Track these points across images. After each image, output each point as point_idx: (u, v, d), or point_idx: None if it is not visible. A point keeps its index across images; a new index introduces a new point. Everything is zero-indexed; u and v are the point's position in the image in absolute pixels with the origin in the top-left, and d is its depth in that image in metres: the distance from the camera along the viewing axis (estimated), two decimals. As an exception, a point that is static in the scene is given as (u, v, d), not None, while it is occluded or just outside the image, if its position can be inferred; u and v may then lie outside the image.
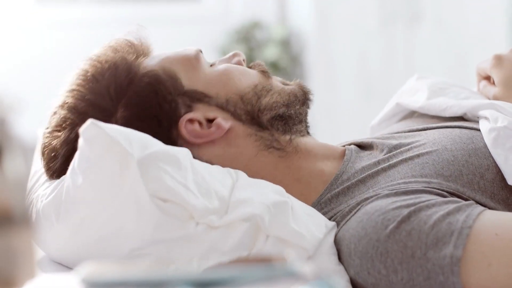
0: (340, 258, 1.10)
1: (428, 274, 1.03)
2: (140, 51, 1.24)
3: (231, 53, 1.29)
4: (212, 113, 1.20)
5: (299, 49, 4.09)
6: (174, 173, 1.07)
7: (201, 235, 1.06)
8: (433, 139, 1.20)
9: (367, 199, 1.12)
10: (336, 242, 1.11)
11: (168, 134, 1.18)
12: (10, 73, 4.09)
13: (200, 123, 1.19)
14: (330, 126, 3.83)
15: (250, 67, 1.27)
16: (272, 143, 1.21)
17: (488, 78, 1.33)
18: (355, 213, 1.11)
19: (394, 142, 1.23)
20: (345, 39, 3.84)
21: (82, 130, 1.08)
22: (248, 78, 1.24)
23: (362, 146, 1.27)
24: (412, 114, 1.40)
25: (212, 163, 1.18)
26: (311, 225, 1.11)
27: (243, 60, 1.28)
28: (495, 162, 1.16)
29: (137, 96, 1.18)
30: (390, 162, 1.18)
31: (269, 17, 4.25)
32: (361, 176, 1.17)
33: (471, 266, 1.02)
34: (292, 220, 1.09)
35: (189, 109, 1.19)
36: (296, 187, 1.21)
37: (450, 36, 3.86)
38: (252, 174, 1.19)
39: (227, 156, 1.20)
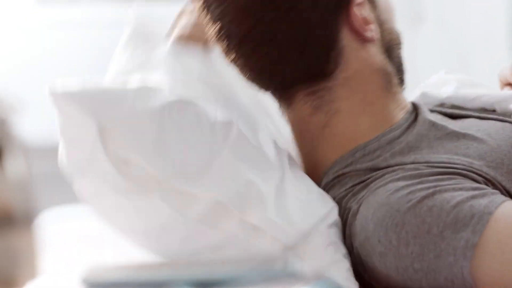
0: (354, 220, 1.10)
1: (439, 252, 1.03)
2: None
3: None
4: (370, 18, 1.20)
5: (300, 49, 4.09)
6: None
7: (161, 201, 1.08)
8: (476, 125, 1.20)
9: (403, 165, 1.12)
10: (362, 203, 1.10)
11: (336, 12, 1.16)
12: (10, 73, 4.09)
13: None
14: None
15: None
16: (390, 72, 1.21)
17: (510, 85, 1.34)
18: (385, 181, 1.10)
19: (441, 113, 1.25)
20: (346, 39, 3.84)
21: None
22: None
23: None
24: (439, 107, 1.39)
25: (342, 52, 1.17)
26: (297, 214, 1.10)
27: None
28: None
29: None
30: (436, 133, 1.18)
31: (270, 17, 4.24)
32: (409, 138, 1.17)
33: (484, 252, 1.02)
34: (273, 207, 1.08)
35: None
36: (372, 118, 1.19)
37: (452, 37, 3.86)
38: (355, 83, 1.18)
39: (356, 54, 1.18)
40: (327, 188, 1.17)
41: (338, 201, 1.14)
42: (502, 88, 1.36)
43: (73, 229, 1.84)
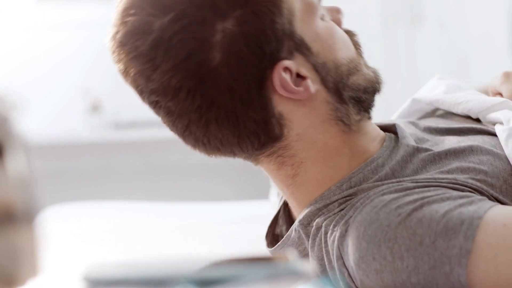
0: (342, 241, 1.09)
1: (434, 263, 1.03)
2: None
3: (334, 6, 1.24)
4: (305, 70, 1.14)
5: (301, 49, 4.09)
6: None
7: None
8: (457, 141, 1.21)
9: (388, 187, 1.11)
10: (350, 224, 1.09)
11: (261, 73, 1.12)
12: (11, 73, 4.10)
13: (291, 75, 1.14)
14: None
15: (346, 32, 1.23)
16: (343, 117, 1.17)
17: (500, 94, 1.35)
18: (370, 199, 1.10)
19: (420, 136, 1.23)
20: (347, 40, 3.84)
21: None
22: (348, 50, 1.20)
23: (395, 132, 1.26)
24: (432, 114, 1.40)
25: (282, 116, 1.14)
26: None
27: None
28: None
29: (253, 15, 1.11)
30: (419, 156, 1.17)
31: (271, 18, 4.25)
32: (392, 164, 1.16)
33: (478, 257, 1.02)
34: None
35: (290, 56, 1.13)
36: (343, 158, 1.18)
37: (451, 38, 3.86)
38: (309, 136, 1.16)
39: (296, 113, 1.15)
40: (312, 217, 1.15)
41: (323, 225, 1.13)
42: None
43: (74, 227, 1.84)
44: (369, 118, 1.22)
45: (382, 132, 1.24)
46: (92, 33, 4.18)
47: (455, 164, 1.15)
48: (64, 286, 1.29)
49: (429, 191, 1.08)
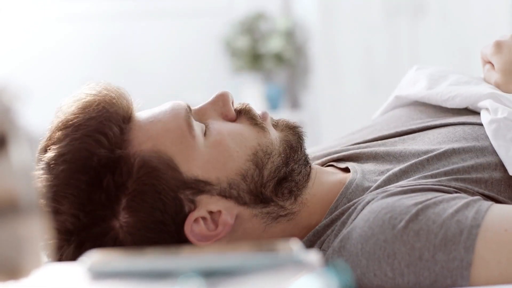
0: (340, 257, 1.08)
1: (435, 277, 1.01)
2: (120, 119, 1.11)
3: (215, 96, 1.15)
4: (215, 205, 1.09)
5: (303, 40, 4.08)
6: None
7: None
8: (438, 142, 1.20)
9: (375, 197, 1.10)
10: (342, 240, 1.08)
11: (177, 237, 1.08)
12: (15, 66, 4.10)
13: (204, 219, 1.09)
14: (334, 119, 3.83)
15: (237, 111, 1.16)
16: (279, 213, 1.13)
17: (491, 63, 1.34)
18: (357, 213, 1.09)
19: (400, 149, 1.21)
20: (350, 31, 3.83)
21: None
22: (245, 146, 1.12)
23: (361, 159, 1.24)
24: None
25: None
26: None
27: (231, 101, 1.16)
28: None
29: (139, 198, 1.07)
30: (401, 167, 1.16)
31: (273, 8, 4.25)
32: (376, 184, 1.15)
33: (480, 267, 1.01)
34: None
35: (193, 204, 1.09)
36: (310, 216, 1.16)
37: (454, 29, 3.85)
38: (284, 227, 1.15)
39: (233, 240, 1.11)
40: (309, 244, 1.14)
41: (322, 248, 1.12)
42: (483, 65, 1.35)
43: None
44: (307, 175, 1.16)
45: (339, 173, 1.22)
46: (95, 26, 4.19)
47: (439, 169, 1.14)
48: (68, 278, 1.29)
49: (417, 196, 1.07)
